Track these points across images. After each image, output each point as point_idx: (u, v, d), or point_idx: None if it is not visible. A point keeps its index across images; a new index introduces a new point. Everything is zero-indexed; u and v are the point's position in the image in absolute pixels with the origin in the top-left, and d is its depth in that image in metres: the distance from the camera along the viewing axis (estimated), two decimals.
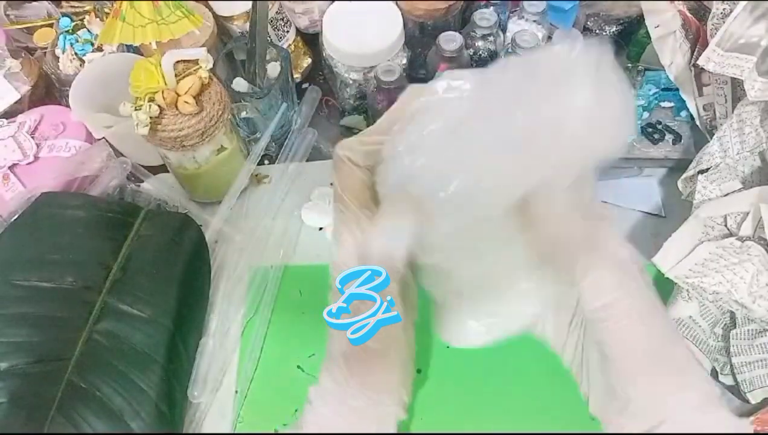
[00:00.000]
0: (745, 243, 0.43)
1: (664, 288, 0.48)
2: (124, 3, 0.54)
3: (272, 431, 0.47)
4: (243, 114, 0.57)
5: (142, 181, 0.58)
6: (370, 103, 0.58)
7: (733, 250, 0.42)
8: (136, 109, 0.46)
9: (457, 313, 0.36)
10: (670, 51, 0.54)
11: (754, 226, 0.43)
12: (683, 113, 0.56)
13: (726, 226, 0.46)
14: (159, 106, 0.46)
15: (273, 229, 0.55)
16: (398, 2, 0.59)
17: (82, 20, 0.63)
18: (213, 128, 0.49)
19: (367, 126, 0.62)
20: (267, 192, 0.58)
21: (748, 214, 0.44)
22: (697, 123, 0.55)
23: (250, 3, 0.56)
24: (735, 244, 0.43)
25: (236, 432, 0.47)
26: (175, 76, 0.47)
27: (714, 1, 0.48)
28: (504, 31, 0.61)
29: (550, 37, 0.60)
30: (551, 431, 0.43)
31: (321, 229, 0.56)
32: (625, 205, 0.55)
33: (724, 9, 0.48)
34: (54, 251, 0.47)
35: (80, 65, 0.61)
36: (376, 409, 0.32)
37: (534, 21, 0.59)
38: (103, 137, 0.55)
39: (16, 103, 0.61)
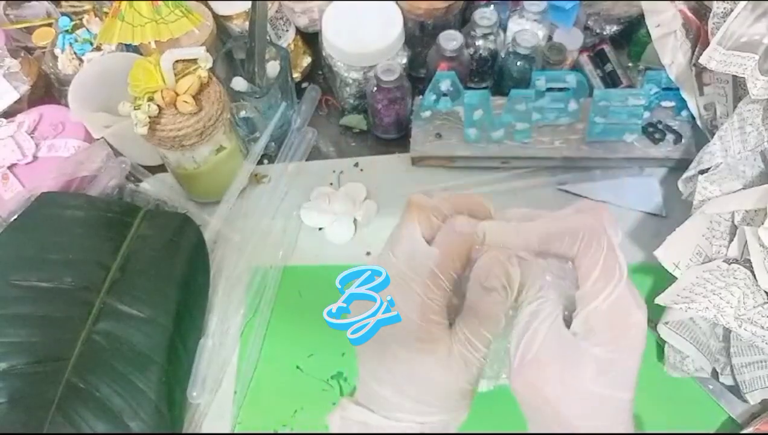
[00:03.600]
0: (731, 266, 0.43)
1: (666, 285, 0.48)
2: (123, 2, 0.54)
3: (272, 431, 0.47)
4: (242, 113, 0.57)
5: (141, 181, 0.58)
6: (370, 102, 0.58)
7: (720, 273, 0.42)
8: (135, 109, 0.46)
9: None
10: (670, 50, 0.54)
11: (741, 249, 0.43)
12: (684, 113, 0.56)
13: (733, 222, 0.45)
14: (158, 105, 0.46)
15: (272, 229, 0.55)
16: (398, 1, 0.59)
17: (81, 20, 0.63)
18: (212, 128, 0.49)
19: (367, 125, 0.62)
20: (266, 192, 0.58)
21: (755, 211, 0.44)
22: (698, 123, 0.54)
23: (250, 2, 0.56)
24: (722, 266, 0.43)
25: (235, 432, 0.47)
26: (174, 75, 0.47)
27: (714, 1, 0.48)
28: (504, 30, 0.61)
29: (550, 37, 0.59)
30: (550, 431, 0.43)
31: (321, 229, 0.56)
32: (626, 205, 0.55)
33: (724, 8, 0.47)
34: (53, 251, 0.47)
35: (79, 65, 0.61)
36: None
37: (534, 20, 0.59)
38: (102, 137, 0.55)
39: (15, 102, 0.61)
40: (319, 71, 0.66)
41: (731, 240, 0.45)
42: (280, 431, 0.47)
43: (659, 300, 0.43)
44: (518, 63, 0.58)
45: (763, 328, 0.41)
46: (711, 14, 0.48)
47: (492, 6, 0.59)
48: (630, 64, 0.64)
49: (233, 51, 0.58)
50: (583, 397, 0.32)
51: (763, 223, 0.42)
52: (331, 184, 0.59)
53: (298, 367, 0.49)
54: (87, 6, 0.64)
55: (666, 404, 0.45)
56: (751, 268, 0.42)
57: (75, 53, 0.61)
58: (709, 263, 0.43)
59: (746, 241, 0.42)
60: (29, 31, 0.66)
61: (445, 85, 0.54)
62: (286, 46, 0.62)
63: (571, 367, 0.32)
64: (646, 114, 0.56)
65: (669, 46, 0.54)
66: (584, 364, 0.32)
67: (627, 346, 0.33)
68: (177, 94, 0.47)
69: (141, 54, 0.59)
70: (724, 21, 0.46)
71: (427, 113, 0.57)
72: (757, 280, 0.42)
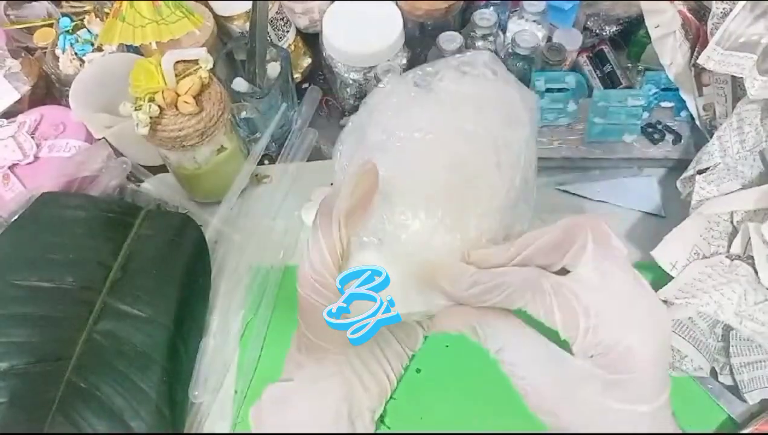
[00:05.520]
0: (734, 262, 0.43)
1: (664, 284, 0.48)
2: (124, 3, 0.54)
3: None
4: (243, 114, 0.57)
5: (142, 181, 0.58)
6: None
7: (722, 269, 0.42)
8: (136, 109, 0.46)
9: None
10: (669, 51, 0.54)
11: (744, 245, 0.43)
12: (683, 113, 0.56)
13: (732, 222, 0.46)
14: (159, 106, 0.46)
15: (273, 229, 0.55)
16: (398, 2, 0.59)
17: (82, 20, 0.63)
18: (213, 128, 0.49)
19: None
20: (267, 192, 0.58)
21: (753, 211, 0.44)
22: (697, 123, 0.55)
23: (250, 3, 0.56)
24: (724, 262, 0.43)
25: (236, 432, 0.47)
26: (175, 76, 0.47)
27: (714, 1, 0.48)
28: (504, 31, 0.61)
29: (550, 38, 0.60)
30: (548, 432, 0.43)
31: None
32: (625, 205, 0.55)
33: (724, 9, 0.48)
34: (54, 251, 0.47)
35: (80, 65, 0.61)
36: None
37: (534, 21, 0.59)
38: (103, 137, 0.55)
39: (16, 103, 0.61)
40: (320, 72, 0.66)
41: (730, 240, 0.45)
42: None
43: (661, 294, 0.43)
44: (518, 64, 0.58)
45: (763, 325, 0.41)
46: (710, 15, 0.48)
47: (491, 7, 0.59)
48: (629, 65, 0.64)
49: (234, 52, 0.58)
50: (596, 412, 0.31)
51: (762, 222, 0.42)
52: (332, 184, 0.59)
53: None
54: (88, 6, 0.64)
55: None
56: (753, 265, 0.42)
57: (76, 54, 0.61)
58: (712, 258, 0.43)
59: (749, 238, 0.43)
60: (30, 31, 0.66)
61: None
62: (286, 47, 0.62)
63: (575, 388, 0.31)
64: (646, 114, 0.56)
65: (668, 47, 0.54)
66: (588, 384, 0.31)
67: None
68: (178, 95, 0.47)
69: (142, 54, 0.59)
70: (724, 21, 0.47)
71: None
72: (759, 277, 0.42)
